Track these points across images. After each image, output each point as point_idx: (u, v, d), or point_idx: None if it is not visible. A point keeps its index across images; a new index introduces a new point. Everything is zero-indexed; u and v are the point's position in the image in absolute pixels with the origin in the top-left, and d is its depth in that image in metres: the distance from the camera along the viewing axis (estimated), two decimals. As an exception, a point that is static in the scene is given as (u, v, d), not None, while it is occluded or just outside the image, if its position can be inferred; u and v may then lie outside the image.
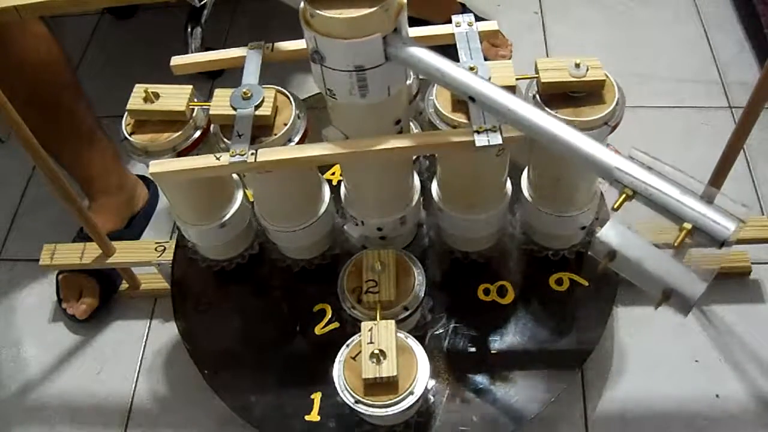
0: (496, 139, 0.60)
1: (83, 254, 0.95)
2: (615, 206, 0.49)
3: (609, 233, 0.50)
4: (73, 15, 1.44)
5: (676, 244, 0.47)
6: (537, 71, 0.65)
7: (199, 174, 0.65)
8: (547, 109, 0.64)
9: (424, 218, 0.87)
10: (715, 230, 0.46)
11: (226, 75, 1.25)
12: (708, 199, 0.47)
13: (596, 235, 0.51)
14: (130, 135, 0.69)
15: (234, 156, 0.63)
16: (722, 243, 0.46)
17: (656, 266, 0.49)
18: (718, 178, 0.79)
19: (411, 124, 0.82)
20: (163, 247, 0.94)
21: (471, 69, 0.63)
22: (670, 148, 1.14)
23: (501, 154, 0.70)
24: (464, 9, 1.29)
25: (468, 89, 0.54)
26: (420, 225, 0.87)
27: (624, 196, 0.49)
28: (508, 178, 0.78)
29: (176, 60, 0.72)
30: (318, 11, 0.53)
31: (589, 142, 0.50)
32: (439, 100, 0.66)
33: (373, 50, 0.55)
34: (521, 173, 0.81)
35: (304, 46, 0.60)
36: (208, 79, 1.26)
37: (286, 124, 0.66)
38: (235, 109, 0.65)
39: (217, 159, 0.63)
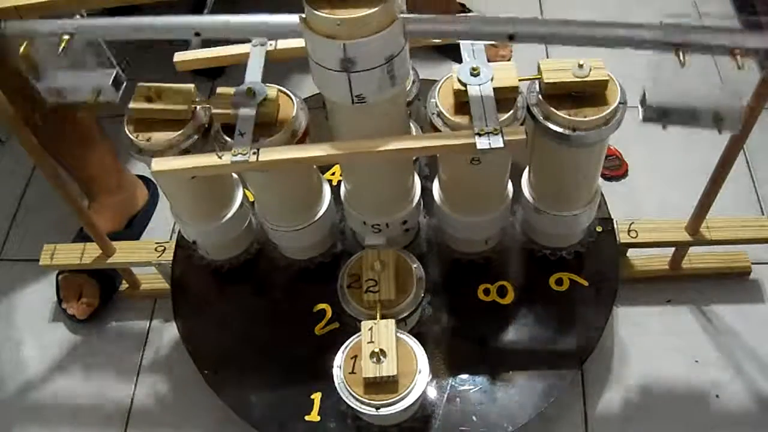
0: (498, 142, 0.60)
1: (83, 254, 0.95)
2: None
3: (655, 94, 0.54)
4: (73, 15, 1.44)
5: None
6: (540, 72, 0.65)
7: (201, 172, 0.65)
8: (550, 109, 0.64)
9: (424, 218, 0.87)
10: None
11: (225, 75, 1.25)
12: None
13: (645, 102, 0.55)
14: (132, 134, 0.69)
15: (236, 155, 0.62)
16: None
17: (701, 100, 0.54)
18: (718, 178, 0.80)
19: (411, 124, 0.82)
20: (163, 247, 0.94)
21: (474, 70, 0.63)
22: (670, 148, 1.14)
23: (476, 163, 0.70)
24: (463, 9, 1.29)
25: (501, 28, 0.55)
26: (420, 225, 0.87)
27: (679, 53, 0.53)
28: (509, 180, 0.78)
29: (179, 56, 0.72)
30: (344, 16, 0.52)
31: None
32: (441, 101, 0.66)
33: (398, 35, 0.56)
34: (521, 174, 0.81)
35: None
36: (208, 80, 1.26)
37: (287, 123, 0.67)
38: (237, 108, 0.65)
39: (219, 158, 0.63)
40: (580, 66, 0.64)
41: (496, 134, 0.60)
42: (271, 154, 0.63)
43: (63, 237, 1.03)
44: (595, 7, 1.36)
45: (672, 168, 1.11)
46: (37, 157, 0.78)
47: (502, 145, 0.60)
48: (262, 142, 0.65)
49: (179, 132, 0.69)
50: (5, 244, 1.14)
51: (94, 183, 1.05)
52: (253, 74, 0.68)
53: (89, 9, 0.61)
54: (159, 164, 0.65)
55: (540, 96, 0.66)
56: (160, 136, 0.69)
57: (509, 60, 1.26)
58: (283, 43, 0.70)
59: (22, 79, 0.89)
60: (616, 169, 1.11)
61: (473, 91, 0.63)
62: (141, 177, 1.14)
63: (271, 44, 0.70)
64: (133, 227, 1.09)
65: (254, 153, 0.62)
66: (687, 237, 0.89)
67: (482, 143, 0.60)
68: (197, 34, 0.58)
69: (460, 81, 0.64)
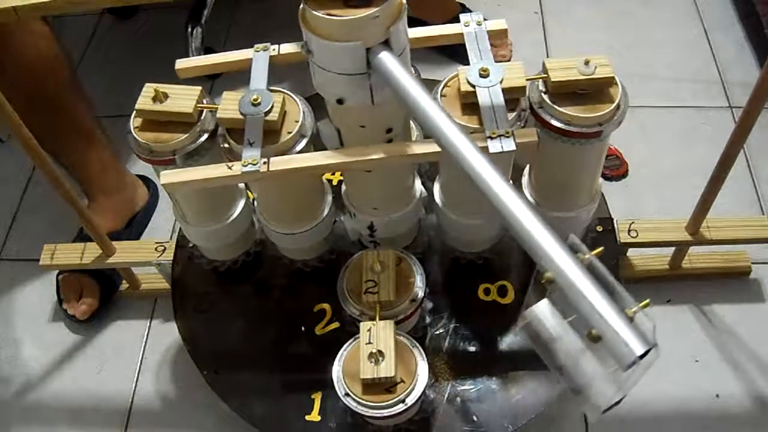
0: (510, 144, 0.59)
1: (83, 254, 0.95)
2: (543, 279, 0.45)
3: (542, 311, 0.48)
4: (73, 15, 1.44)
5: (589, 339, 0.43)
6: (546, 71, 0.65)
7: (211, 184, 0.63)
8: (555, 107, 0.64)
9: (424, 218, 0.87)
10: (620, 352, 0.41)
11: (225, 75, 1.25)
12: (631, 316, 0.43)
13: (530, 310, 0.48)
14: (137, 135, 0.69)
15: (246, 165, 0.61)
16: (628, 366, 0.40)
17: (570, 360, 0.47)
18: (718, 178, 0.79)
19: (411, 124, 0.82)
20: (163, 247, 0.94)
21: (483, 71, 0.63)
22: (670, 148, 1.14)
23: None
24: (463, 9, 1.29)
25: None
26: (420, 225, 0.87)
27: (547, 278, 0.45)
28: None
29: (181, 63, 0.70)
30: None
31: (532, 219, 0.48)
32: (444, 103, 0.65)
33: None
34: (521, 174, 0.81)
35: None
36: (207, 80, 1.26)
37: (293, 129, 0.66)
38: (244, 116, 0.64)
39: (230, 168, 0.62)
40: (587, 63, 0.64)
41: (508, 137, 0.59)
42: (282, 163, 0.62)
43: (63, 237, 1.03)
44: (594, 5, 1.36)
45: (672, 168, 1.11)
46: (36, 157, 0.78)
47: (514, 147, 0.59)
48: (271, 150, 0.64)
49: (186, 134, 0.68)
50: (5, 244, 1.14)
51: (94, 183, 1.05)
52: (258, 81, 0.66)
53: (89, 9, 0.60)
54: (168, 177, 0.63)
55: (544, 94, 0.66)
56: (167, 138, 0.68)
57: (509, 60, 1.26)
58: (287, 48, 0.68)
59: (22, 73, 0.90)
60: (616, 169, 1.11)
61: (483, 92, 0.62)
62: (141, 176, 1.14)
63: (273, 49, 0.69)
64: (133, 227, 1.09)
65: (265, 163, 0.62)
66: (687, 237, 0.89)
67: (494, 146, 0.59)
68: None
69: (468, 82, 0.63)
